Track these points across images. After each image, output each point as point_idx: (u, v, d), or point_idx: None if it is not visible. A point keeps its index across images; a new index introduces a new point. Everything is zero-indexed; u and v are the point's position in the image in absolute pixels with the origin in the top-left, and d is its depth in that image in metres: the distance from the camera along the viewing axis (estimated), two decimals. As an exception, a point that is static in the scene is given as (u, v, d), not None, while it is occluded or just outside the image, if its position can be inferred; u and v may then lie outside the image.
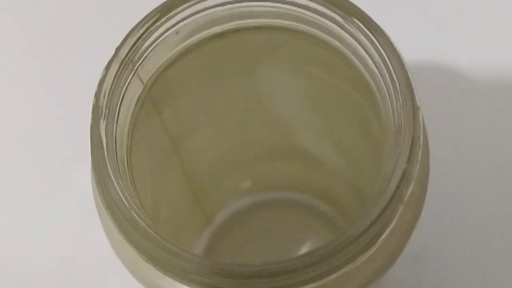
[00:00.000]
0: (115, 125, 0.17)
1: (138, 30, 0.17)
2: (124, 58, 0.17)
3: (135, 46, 0.17)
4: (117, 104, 0.17)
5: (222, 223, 0.30)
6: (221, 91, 0.22)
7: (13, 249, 0.30)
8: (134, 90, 0.18)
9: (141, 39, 0.17)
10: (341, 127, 0.23)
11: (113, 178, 0.16)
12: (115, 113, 0.17)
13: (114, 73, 0.17)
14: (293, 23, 0.18)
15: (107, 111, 0.16)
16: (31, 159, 0.31)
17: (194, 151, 0.25)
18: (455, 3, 0.33)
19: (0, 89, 0.32)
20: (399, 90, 0.16)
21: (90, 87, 0.17)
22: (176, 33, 0.18)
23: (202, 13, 0.18)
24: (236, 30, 0.19)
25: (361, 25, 0.17)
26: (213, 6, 0.18)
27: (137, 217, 0.16)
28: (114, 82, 0.17)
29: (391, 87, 0.16)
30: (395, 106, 0.16)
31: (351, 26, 0.17)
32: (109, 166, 0.16)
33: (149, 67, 0.18)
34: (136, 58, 0.17)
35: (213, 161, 0.27)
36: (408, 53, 0.29)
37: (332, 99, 0.21)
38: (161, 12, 0.17)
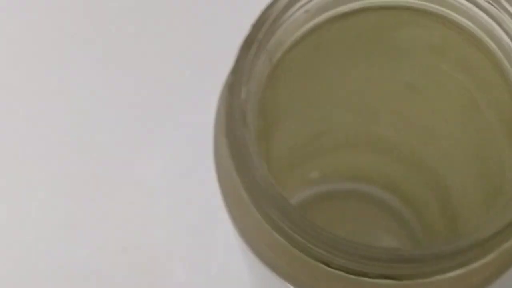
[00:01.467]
0: (249, 105, 0.16)
1: (272, 9, 0.16)
2: (262, 40, 0.16)
3: (270, 28, 0.16)
4: (251, 83, 0.16)
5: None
6: (327, 75, 0.21)
7: (77, 239, 0.30)
8: (264, 70, 0.17)
9: (275, 20, 0.16)
10: (446, 116, 0.22)
11: (255, 158, 0.15)
12: (248, 93, 0.16)
13: (249, 53, 0.16)
14: (422, 2, 0.18)
15: (246, 90, 0.16)
16: (94, 147, 0.31)
17: (281, 137, 0.25)
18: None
19: (67, 78, 0.32)
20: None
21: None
22: (306, 12, 0.17)
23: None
24: (363, 10, 0.18)
25: (503, 2, 0.16)
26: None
27: (280, 197, 0.15)
28: (251, 62, 0.16)
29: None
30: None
31: (494, 6, 0.16)
32: (251, 148, 0.15)
33: (276, 47, 0.17)
34: (267, 38, 0.17)
35: (292, 148, 0.26)
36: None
37: (439, 87, 0.21)
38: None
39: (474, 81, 0.19)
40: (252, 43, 0.16)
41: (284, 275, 0.16)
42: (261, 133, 0.22)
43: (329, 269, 0.15)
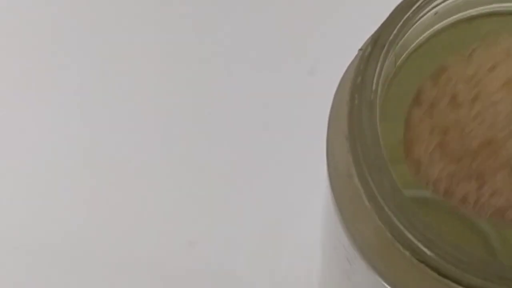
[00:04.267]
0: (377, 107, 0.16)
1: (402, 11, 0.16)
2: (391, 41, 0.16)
3: (400, 31, 0.16)
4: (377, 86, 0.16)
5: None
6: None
7: (141, 233, 0.30)
8: (388, 71, 0.17)
9: (406, 23, 0.16)
10: None
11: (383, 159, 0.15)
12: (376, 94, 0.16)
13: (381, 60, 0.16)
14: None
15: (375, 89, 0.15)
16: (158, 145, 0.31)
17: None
18: None
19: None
20: None
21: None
22: (435, 13, 0.17)
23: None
24: (491, 14, 0.17)
25: None
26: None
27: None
28: (379, 63, 0.16)
29: None
30: None
31: None
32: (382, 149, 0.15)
33: (402, 49, 0.17)
34: (397, 40, 0.16)
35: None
36: None
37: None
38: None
39: None
40: (383, 44, 0.16)
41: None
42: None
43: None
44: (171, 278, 0.29)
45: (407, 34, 0.16)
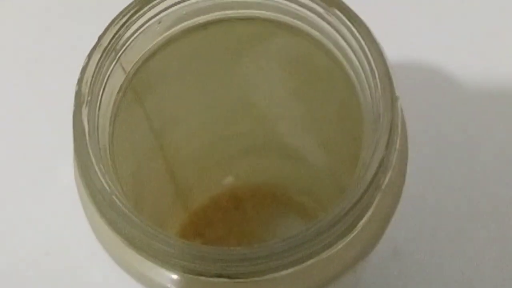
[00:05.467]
0: (97, 112, 0.17)
1: (121, 19, 0.17)
2: (107, 46, 0.17)
3: (117, 35, 0.17)
4: (99, 92, 0.17)
5: (203, 218, 0.30)
6: (204, 82, 0.22)
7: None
8: (116, 78, 0.18)
9: (123, 28, 0.17)
10: (323, 118, 0.23)
11: (94, 163, 0.16)
12: (97, 100, 0.17)
13: (96, 61, 0.17)
14: (276, 14, 0.18)
15: (89, 98, 0.16)
16: (15, 151, 0.32)
17: (177, 144, 0.25)
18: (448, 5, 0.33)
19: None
20: (378, 79, 0.16)
21: (74, 77, 0.17)
22: (159, 23, 0.18)
23: (185, 3, 0.18)
24: (219, 21, 0.19)
25: (341, 15, 0.17)
26: (196, -4, 0.18)
27: (118, 202, 0.16)
28: (97, 69, 0.17)
29: (370, 76, 0.16)
30: (374, 95, 0.16)
31: (331, 17, 0.17)
32: (90, 151, 0.16)
33: (132, 56, 0.18)
34: (118, 46, 0.17)
35: (196, 155, 0.27)
36: (400, 50, 0.30)
37: (314, 91, 0.22)
38: (144, 1, 0.17)
39: (324, 82, 0.20)
40: (98, 53, 0.17)
41: (134, 275, 0.17)
42: (157, 131, 0.23)
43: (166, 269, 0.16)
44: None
45: (131, 42, 0.18)
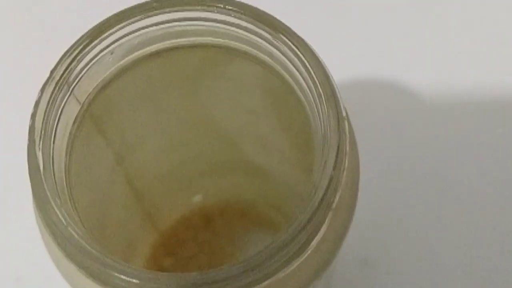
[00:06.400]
0: (52, 145, 0.17)
1: (72, 51, 0.17)
2: (59, 79, 0.17)
3: (69, 68, 0.17)
4: (53, 125, 0.17)
5: (174, 238, 0.30)
6: (163, 108, 0.22)
7: None
8: (71, 110, 0.18)
9: (75, 61, 0.17)
10: (281, 137, 0.24)
11: (50, 196, 0.16)
12: (52, 133, 0.17)
13: (49, 94, 0.17)
14: (226, 40, 0.19)
15: (43, 132, 0.17)
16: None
17: (142, 167, 0.26)
18: (394, 21, 0.34)
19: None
20: (324, 101, 0.17)
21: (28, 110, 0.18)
22: (111, 53, 0.18)
23: (136, 33, 0.18)
24: (171, 49, 0.19)
25: (287, 40, 0.17)
26: (147, 26, 0.18)
27: (75, 234, 0.16)
28: (50, 103, 0.17)
29: (317, 98, 0.17)
30: (321, 117, 0.17)
31: (278, 42, 0.18)
32: (45, 185, 0.16)
33: (86, 87, 0.18)
34: (71, 79, 0.17)
35: (163, 176, 0.27)
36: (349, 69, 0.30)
37: (271, 111, 0.22)
38: (95, 33, 0.18)
39: (277, 102, 0.20)
40: (51, 87, 0.17)
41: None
42: (120, 157, 0.23)
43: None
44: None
45: (83, 73, 0.18)
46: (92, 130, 0.20)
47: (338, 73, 0.28)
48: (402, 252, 0.30)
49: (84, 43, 0.18)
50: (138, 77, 0.20)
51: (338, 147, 0.16)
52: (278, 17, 0.18)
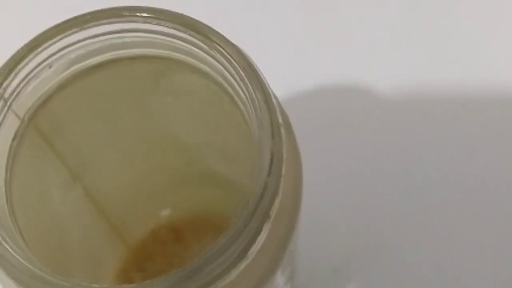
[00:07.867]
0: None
1: (6, 66, 0.17)
2: (-6, 96, 0.17)
3: (3, 84, 0.17)
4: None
5: (143, 252, 0.30)
6: (114, 122, 0.22)
7: None
8: (10, 125, 0.18)
9: (10, 76, 0.17)
10: (238, 148, 0.24)
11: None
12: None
13: (-16, 111, 0.17)
14: (164, 51, 0.19)
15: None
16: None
17: (101, 181, 0.26)
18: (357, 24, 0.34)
19: None
20: (258, 108, 0.17)
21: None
22: (50, 67, 0.18)
23: (74, 46, 0.18)
24: (112, 61, 0.19)
25: (222, 50, 0.17)
26: (85, 39, 0.18)
27: (11, 250, 0.16)
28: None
29: (252, 106, 0.17)
30: (257, 123, 0.17)
31: (214, 51, 0.18)
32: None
33: (25, 102, 0.18)
34: (7, 95, 0.17)
35: (125, 189, 0.27)
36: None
37: (221, 121, 0.22)
38: (30, 47, 0.18)
39: (224, 112, 0.20)
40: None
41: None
42: (75, 172, 0.23)
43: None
44: None
45: (21, 88, 0.18)
46: (39, 145, 0.20)
47: (302, 79, 0.28)
48: (371, 258, 0.29)
49: (18, 58, 0.17)
50: (82, 90, 0.20)
51: (272, 154, 0.16)
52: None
